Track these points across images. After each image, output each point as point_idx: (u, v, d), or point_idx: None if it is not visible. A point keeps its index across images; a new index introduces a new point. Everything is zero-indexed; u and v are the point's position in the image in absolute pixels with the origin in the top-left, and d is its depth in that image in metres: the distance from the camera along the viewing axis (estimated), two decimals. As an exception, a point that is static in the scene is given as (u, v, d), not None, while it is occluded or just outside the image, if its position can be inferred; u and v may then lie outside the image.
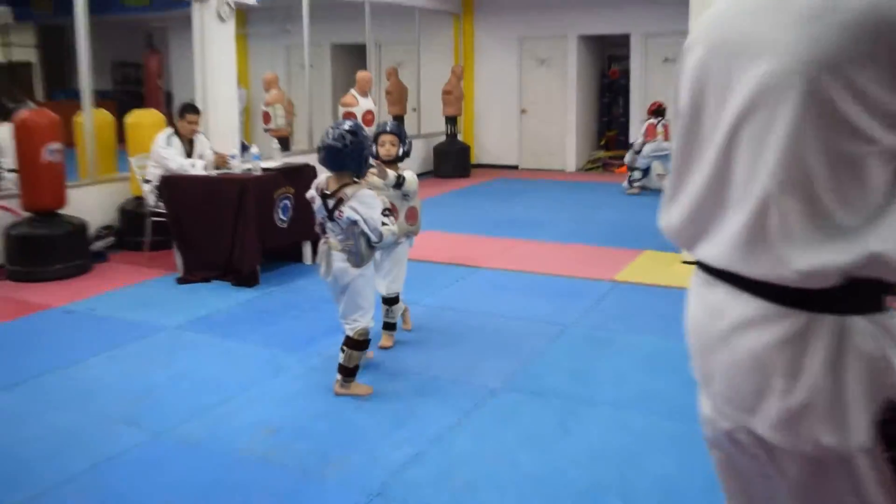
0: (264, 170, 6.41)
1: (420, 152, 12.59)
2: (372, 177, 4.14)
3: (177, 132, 6.62)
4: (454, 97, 12.12)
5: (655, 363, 4.36)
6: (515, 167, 13.20)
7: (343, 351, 3.91)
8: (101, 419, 3.75)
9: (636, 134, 12.19)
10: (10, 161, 7.03)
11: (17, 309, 5.57)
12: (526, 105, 13.05)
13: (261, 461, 3.31)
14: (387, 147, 4.41)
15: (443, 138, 12.50)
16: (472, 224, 8.47)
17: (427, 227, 8.34)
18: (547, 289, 5.91)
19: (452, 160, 12.35)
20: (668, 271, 6.22)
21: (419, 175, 12.31)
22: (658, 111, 10.31)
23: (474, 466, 3.25)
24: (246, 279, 6.00)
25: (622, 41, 12.47)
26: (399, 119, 12.83)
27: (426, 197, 10.36)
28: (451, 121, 12.28)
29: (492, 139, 13.38)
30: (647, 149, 10.21)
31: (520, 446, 3.43)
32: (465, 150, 12.57)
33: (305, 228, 6.56)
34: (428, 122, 13.03)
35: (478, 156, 13.44)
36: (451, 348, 4.66)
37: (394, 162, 4.42)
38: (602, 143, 13.60)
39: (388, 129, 4.47)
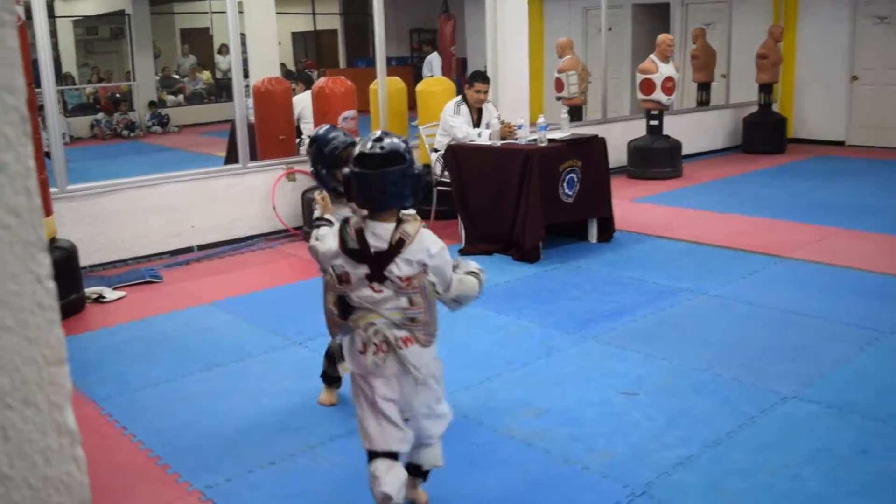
0: (550, 141, 6.57)
1: (728, 124, 12.11)
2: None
3: (465, 100, 6.99)
4: (770, 62, 11.46)
5: None
6: (841, 143, 12.22)
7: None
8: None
9: None
10: (311, 127, 7.90)
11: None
12: (858, 71, 12.00)
13: (522, 443, 3.48)
14: None
15: (754, 108, 11.90)
16: (781, 207, 8.01)
17: (727, 209, 8.10)
18: (863, 287, 5.48)
19: (764, 134, 11.73)
20: None
21: (726, 150, 11.89)
22: None
23: (751, 478, 3.17)
24: (527, 254, 6.22)
25: None
26: (705, 86, 12.42)
27: (731, 175, 9.99)
28: (766, 89, 11.64)
29: (813, 110, 12.49)
30: None
31: (807, 462, 3.27)
32: (780, 122, 11.88)
33: (592, 204, 6.67)
34: (738, 91, 12.46)
35: (795, 129, 12.62)
36: (739, 345, 4.51)
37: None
38: (956, 116, 12.14)
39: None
